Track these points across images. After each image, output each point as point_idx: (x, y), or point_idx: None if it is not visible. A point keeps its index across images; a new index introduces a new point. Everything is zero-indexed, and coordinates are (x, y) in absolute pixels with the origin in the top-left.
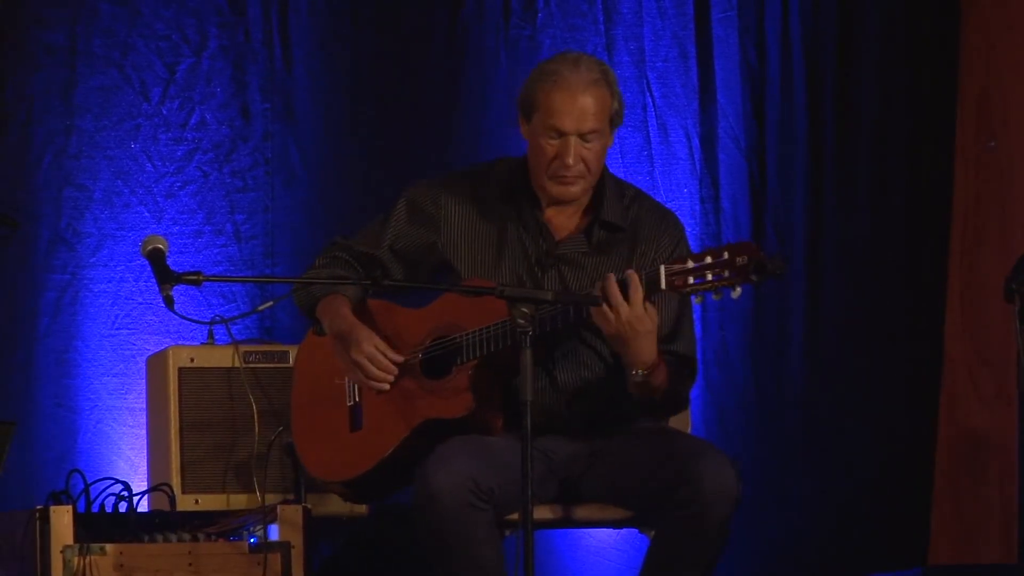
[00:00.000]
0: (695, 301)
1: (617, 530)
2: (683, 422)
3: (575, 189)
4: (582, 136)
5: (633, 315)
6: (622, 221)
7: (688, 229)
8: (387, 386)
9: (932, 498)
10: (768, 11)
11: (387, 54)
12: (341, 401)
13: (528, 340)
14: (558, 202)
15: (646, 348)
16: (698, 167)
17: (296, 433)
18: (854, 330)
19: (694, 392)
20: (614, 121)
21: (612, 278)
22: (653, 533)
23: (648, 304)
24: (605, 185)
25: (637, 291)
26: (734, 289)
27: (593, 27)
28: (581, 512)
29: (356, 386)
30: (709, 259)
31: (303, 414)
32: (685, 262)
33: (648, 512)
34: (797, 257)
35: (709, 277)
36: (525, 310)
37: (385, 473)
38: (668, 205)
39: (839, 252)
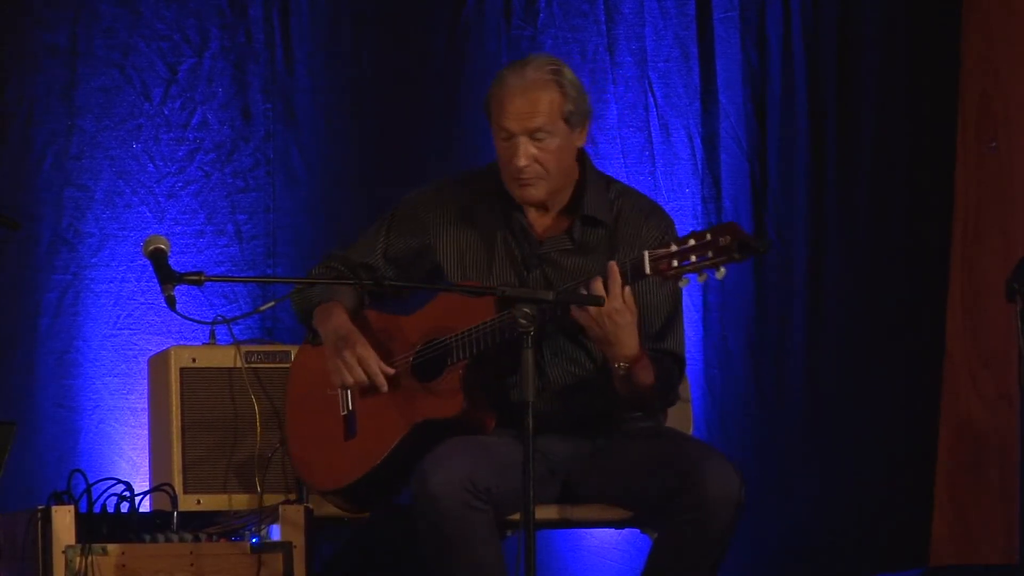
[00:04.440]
0: (681, 284)
1: (618, 530)
2: (684, 423)
3: (534, 191)
4: (531, 136)
5: (612, 307)
6: (605, 215)
7: (690, 228)
8: (384, 384)
9: (933, 498)
10: (770, 12)
11: (388, 54)
12: (335, 411)
13: (529, 340)
14: (530, 204)
15: (626, 341)
16: (700, 167)
17: (291, 447)
18: (855, 330)
19: (695, 393)
20: (571, 120)
21: (599, 279)
22: (655, 536)
23: (627, 295)
24: (586, 180)
25: (616, 283)
26: (718, 270)
27: (595, 27)
28: (582, 512)
29: (349, 395)
30: (693, 242)
31: (297, 427)
32: (669, 247)
33: (650, 515)
34: (798, 257)
35: (693, 259)
36: (527, 310)
37: (381, 478)
38: (670, 205)
39: (840, 252)
